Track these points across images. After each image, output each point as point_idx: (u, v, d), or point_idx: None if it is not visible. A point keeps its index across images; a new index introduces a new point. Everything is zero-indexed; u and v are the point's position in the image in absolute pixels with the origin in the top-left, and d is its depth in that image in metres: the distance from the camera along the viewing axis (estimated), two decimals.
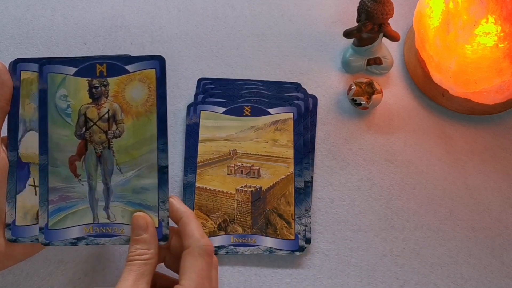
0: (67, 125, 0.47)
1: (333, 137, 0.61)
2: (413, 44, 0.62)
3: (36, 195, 0.48)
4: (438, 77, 0.59)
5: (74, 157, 0.47)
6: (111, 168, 0.47)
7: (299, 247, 0.55)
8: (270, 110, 0.59)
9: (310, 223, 0.56)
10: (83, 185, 0.47)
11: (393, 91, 0.63)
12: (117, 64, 0.47)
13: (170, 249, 0.49)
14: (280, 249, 0.55)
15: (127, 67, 0.47)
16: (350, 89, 0.60)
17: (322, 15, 0.66)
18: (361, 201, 0.59)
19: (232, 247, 0.55)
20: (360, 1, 0.58)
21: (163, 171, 0.47)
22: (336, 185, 0.59)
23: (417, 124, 0.62)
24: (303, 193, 0.57)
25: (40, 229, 0.47)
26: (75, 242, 0.47)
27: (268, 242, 0.55)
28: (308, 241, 0.56)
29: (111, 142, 0.47)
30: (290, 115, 0.59)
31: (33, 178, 0.48)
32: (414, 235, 0.58)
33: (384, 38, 0.61)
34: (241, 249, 0.55)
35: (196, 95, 0.60)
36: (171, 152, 0.59)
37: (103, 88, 0.46)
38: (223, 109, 0.59)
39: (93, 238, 0.47)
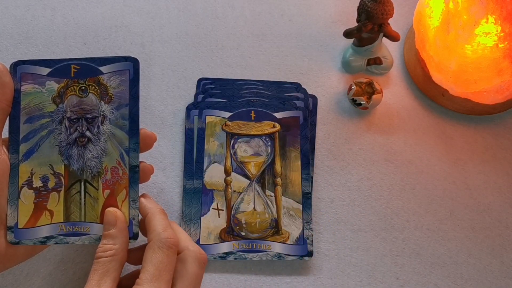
0: None
1: (333, 137, 0.61)
2: (413, 44, 0.62)
3: (219, 217, 0.56)
4: (438, 77, 0.59)
5: None
6: None
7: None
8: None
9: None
10: None
11: (393, 91, 0.63)
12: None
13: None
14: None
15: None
16: (350, 89, 0.60)
17: (322, 15, 0.66)
18: (361, 201, 0.59)
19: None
20: (360, 1, 0.58)
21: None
22: (336, 185, 0.59)
23: (417, 124, 0.62)
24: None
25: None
26: None
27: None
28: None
29: None
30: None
31: (217, 203, 0.56)
32: (414, 235, 0.58)
33: (384, 38, 0.61)
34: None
35: (196, 95, 0.60)
36: (171, 153, 0.59)
37: None
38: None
39: None
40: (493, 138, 0.62)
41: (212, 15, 0.65)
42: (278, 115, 0.58)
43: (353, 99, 0.60)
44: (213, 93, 0.60)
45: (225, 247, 0.55)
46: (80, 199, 0.49)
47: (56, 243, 0.48)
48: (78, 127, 0.49)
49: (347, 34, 0.60)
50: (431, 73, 0.60)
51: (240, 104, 0.59)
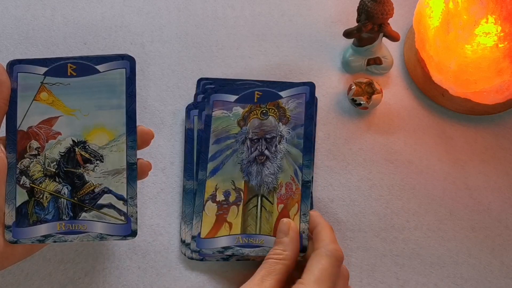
0: None
1: (333, 137, 0.61)
2: (413, 44, 0.62)
3: None
4: (438, 77, 0.59)
5: None
6: None
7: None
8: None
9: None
10: None
11: (393, 91, 0.63)
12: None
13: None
14: None
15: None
16: (350, 89, 0.60)
17: (322, 15, 0.66)
18: (361, 201, 0.59)
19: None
20: (360, 1, 0.58)
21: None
22: (336, 185, 0.59)
23: (417, 124, 0.62)
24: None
25: None
26: None
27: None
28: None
29: None
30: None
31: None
32: (414, 235, 0.58)
33: (384, 38, 0.61)
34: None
35: (196, 95, 0.60)
36: (171, 153, 0.59)
37: None
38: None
39: None
40: (493, 138, 0.61)
41: (212, 15, 0.65)
42: None
43: (353, 99, 0.60)
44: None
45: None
46: (257, 212, 0.54)
47: (233, 254, 0.53)
48: (258, 147, 0.55)
49: (347, 34, 0.60)
50: (431, 73, 0.60)
51: None
